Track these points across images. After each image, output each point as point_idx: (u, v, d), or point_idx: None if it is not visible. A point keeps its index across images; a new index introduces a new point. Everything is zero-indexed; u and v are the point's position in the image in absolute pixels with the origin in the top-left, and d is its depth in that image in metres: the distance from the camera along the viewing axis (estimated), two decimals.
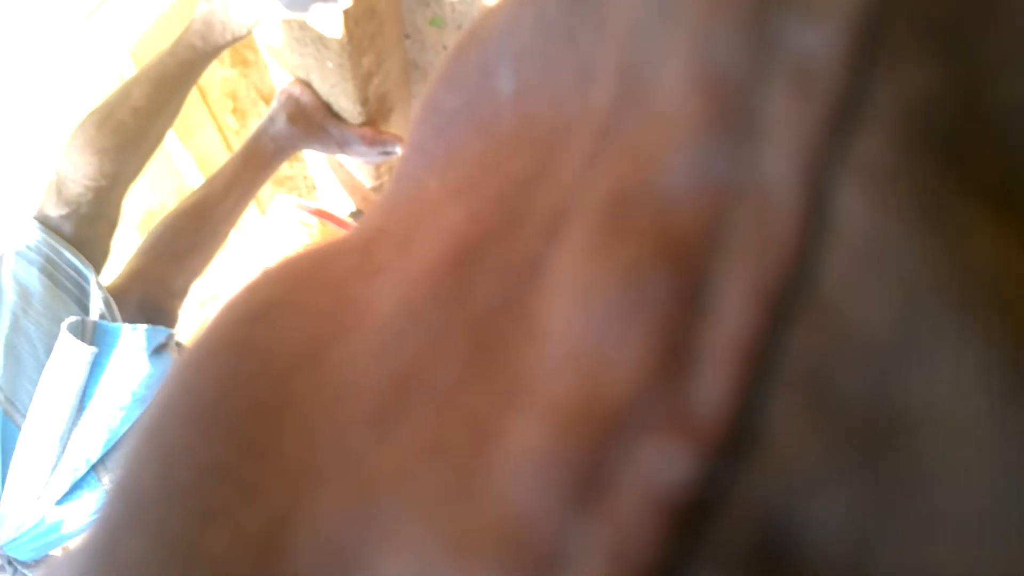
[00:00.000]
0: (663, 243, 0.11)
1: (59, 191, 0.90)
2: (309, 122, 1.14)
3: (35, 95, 1.13)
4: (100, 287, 0.89)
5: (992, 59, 0.10)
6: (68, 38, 1.13)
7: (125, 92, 0.93)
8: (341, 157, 1.28)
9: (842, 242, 0.10)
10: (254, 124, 1.18)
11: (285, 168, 1.29)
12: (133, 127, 0.93)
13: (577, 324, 0.11)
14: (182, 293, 1.05)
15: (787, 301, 0.10)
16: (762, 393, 0.10)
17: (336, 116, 1.17)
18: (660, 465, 0.09)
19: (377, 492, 0.12)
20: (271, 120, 1.14)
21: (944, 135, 0.10)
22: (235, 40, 0.99)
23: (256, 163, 1.12)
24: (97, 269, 0.92)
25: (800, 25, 0.11)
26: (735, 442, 0.09)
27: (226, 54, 1.29)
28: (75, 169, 0.90)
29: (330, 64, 1.06)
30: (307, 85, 1.14)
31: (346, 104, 1.13)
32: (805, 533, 0.09)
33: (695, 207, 0.11)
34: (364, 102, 1.13)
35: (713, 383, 0.10)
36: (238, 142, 1.35)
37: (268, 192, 1.50)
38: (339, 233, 1.26)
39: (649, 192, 0.11)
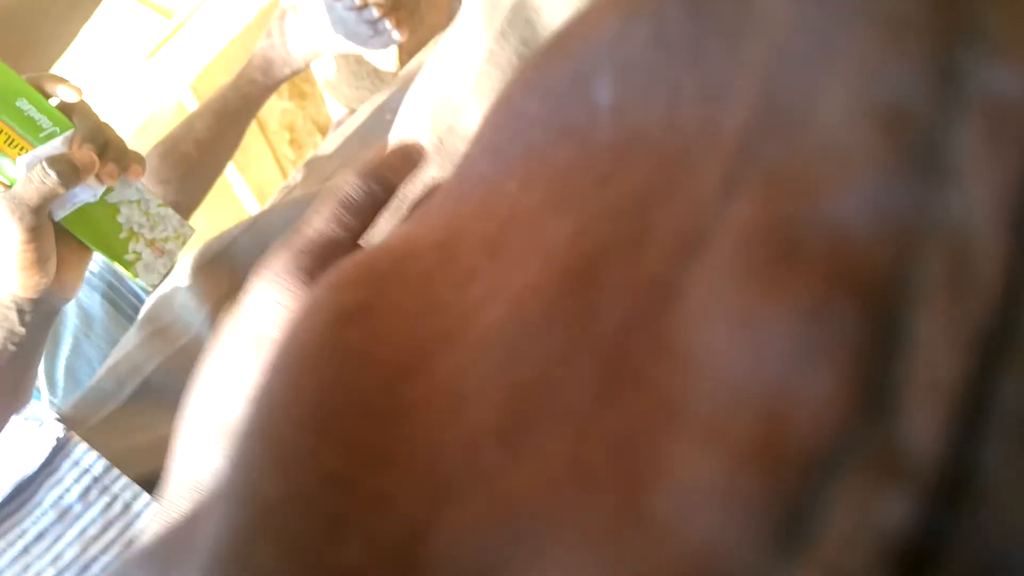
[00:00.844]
0: (846, 279, 0.10)
1: None
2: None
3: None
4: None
5: None
6: (132, 76, 1.16)
7: (188, 125, 0.96)
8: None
9: None
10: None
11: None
12: (195, 158, 0.95)
13: (740, 355, 0.10)
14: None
15: (992, 346, 0.09)
16: (974, 437, 0.09)
17: None
18: (875, 507, 0.09)
19: (519, 511, 0.12)
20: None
21: None
22: (294, 74, 1.01)
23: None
24: None
25: (988, 65, 0.10)
26: (952, 486, 0.09)
27: (284, 87, 1.32)
28: None
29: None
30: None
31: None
32: None
33: (879, 244, 0.10)
34: None
35: (923, 423, 0.09)
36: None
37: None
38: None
39: (815, 220, 0.11)
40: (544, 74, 0.17)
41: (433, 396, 0.14)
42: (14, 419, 0.67)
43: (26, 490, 0.60)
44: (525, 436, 0.12)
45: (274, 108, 1.38)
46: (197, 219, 1.02)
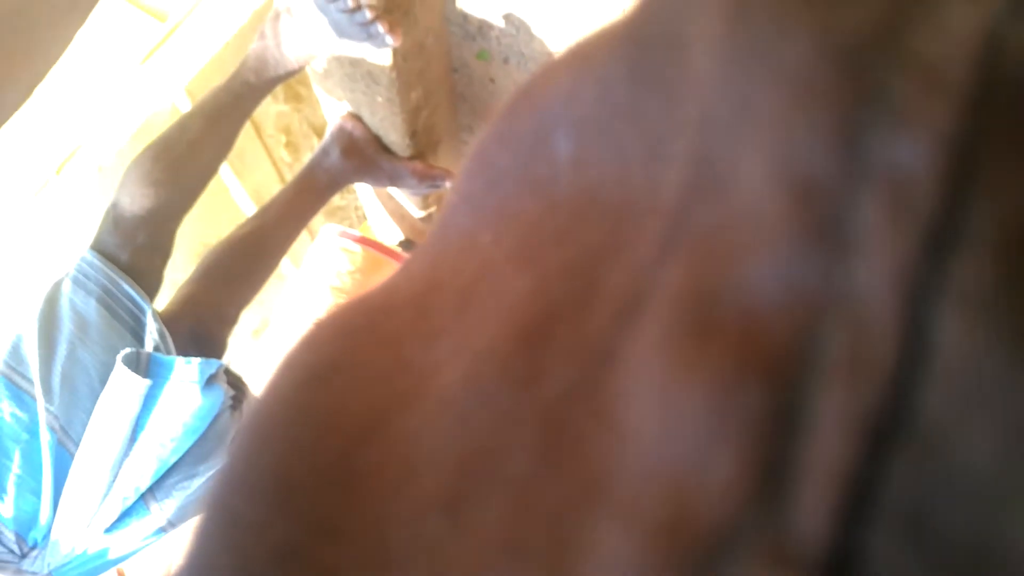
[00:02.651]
0: (752, 353, 0.10)
1: (116, 222, 0.93)
2: (362, 156, 1.16)
3: (92, 131, 1.17)
4: (156, 319, 0.91)
5: None
6: (126, 80, 1.16)
7: (181, 127, 0.96)
8: (391, 189, 1.30)
9: (942, 374, 0.09)
10: (306, 157, 1.20)
11: (337, 199, 1.32)
12: (188, 160, 0.95)
13: (661, 429, 0.11)
14: (233, 321, 1.07)
15: (884, 430, 0.09)
16: (861, 524, 0.09)
17: (387, 150, 1.18)
18: None
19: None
20: (324, 153, 1.16)
21: None
22: (288, 76, 1.01)
23: (309, 195, 1.14)
24: (151, 298, 0.94)
25: (892, 135, 0.10)
26: (836, 574, 0.09)
27: (280, 90, 1.32)
28: (132, 200, 0.92)
29: (380, 99, 1.07)
30: (359, 119, 1.16)
31: (395, 137, 1.15)
32: None
33: (785, 317, 0.10)
34: (413, 135, 1.14)
35: (812, 509, 0.09)
36: (291, 175, 1.38)
37: (319, 222, 1.53)
38: (380, 259, 1.27)
39: (732, 293, 0.11)
40: (512, 125, 0.17)
41: (387, 462, 0.14)
42: None
43: None
44: (468, 506, 0.13)
45: (270, 111, 1.38)
46: (192, 220, 1.01)
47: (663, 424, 0.11)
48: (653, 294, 0.12)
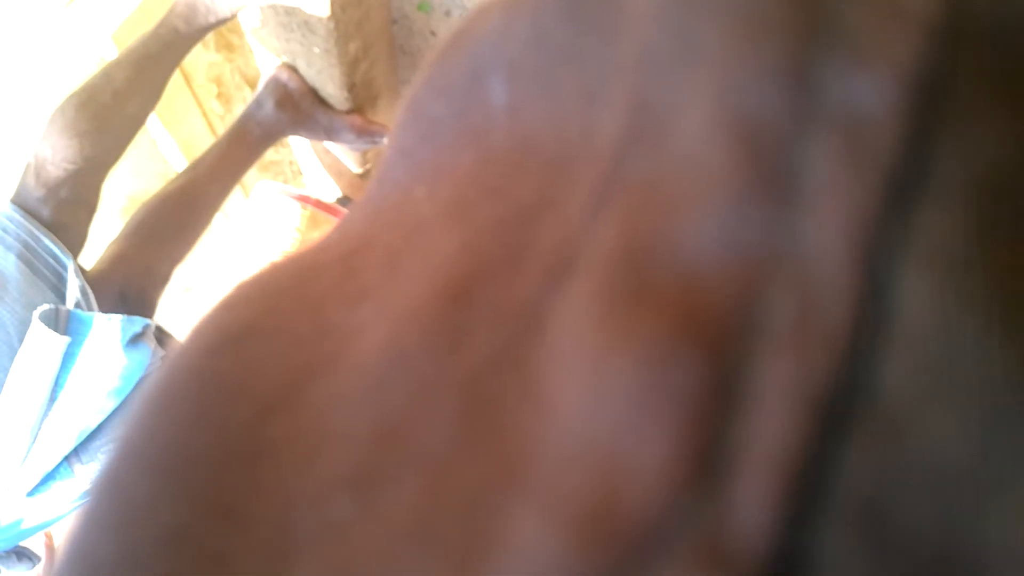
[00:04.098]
0: (689, 320, 0.09)
1: (37, 174, 0.89)
2: (296, 108, 1.13)
3: (14, 78, 1.11)
4: (78, 275, 0.88)
5: None
6: (48, 24, 1.11)
7: (106, 75, 0.92)
8: (328, 143, 1.27)
9: (904, 343, 0.08)
10: (239, 109, 1.17)
11: (271, 154, 1.28)
12: (114, 110, 0.91)
13: (587, 405, 0.09)
14: (164, 280, 1.04)
15: (837, 410, 0.08)
16: (809, 520, 0.08)
17: (324, 103, 1.16)
18: None
19: (353, 558, 0.11)
20: (258, 105, 1.12)
21: (1022, 209, 0.08)
22: (219, 23, 0.97)
23: (242, 148, 1.11)
24: (75, 255, 0.91)
25: (849, 73, 0.09)
26: (781, 571, 0.08)
27: (211, 39, 1.28)
28: (54, 152, 0.88)
29: (317, 50, 1.04)
30: (294, 70, 1.13)
31: (333, 90, 1.12)
32: None
33: (726, 278, 0.09)
34: (351, 88, 1.12)
35: (751, 504, 0.08)
36: (223, 127, 1.33)
37: (253, 177, 1.49)
38: (322, 217, 1.25)
39: (669, 252, 0.10)
40: (445, 71, 0.16)
41: (297, 435, 0.13)
42: None
43: None
44: (378, 485, 0.11)
45: (200, 60, 1.33)
46: (120, 174, 0.98)
47: (590, 400, 0.09)
48: (585, 253, 0.11)
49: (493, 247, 0.13)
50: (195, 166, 1.07)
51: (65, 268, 0.88)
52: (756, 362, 0.09)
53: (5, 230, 0.86)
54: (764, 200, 0.09)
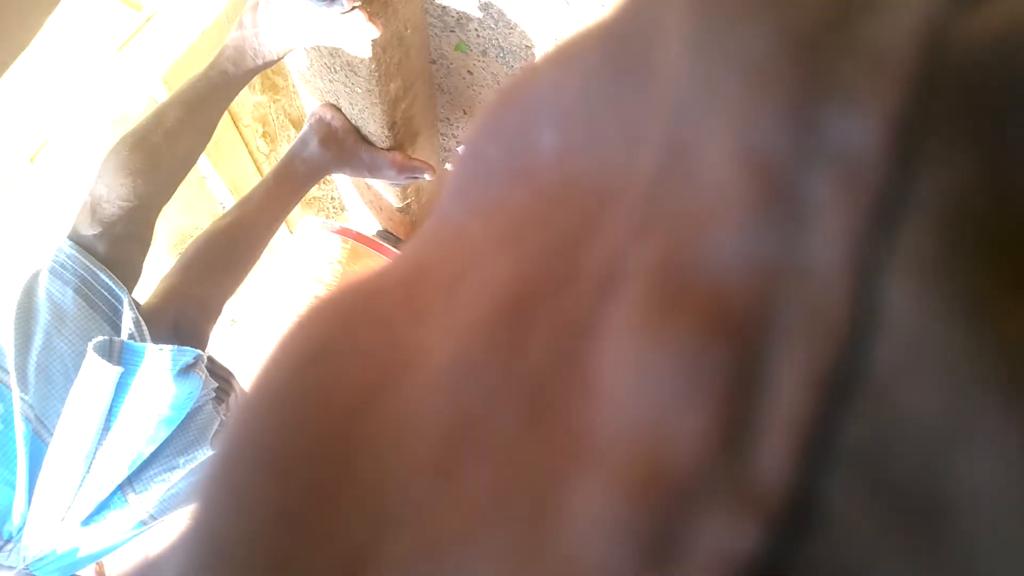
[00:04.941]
0: (718, 319, 0.11)
1: (93, 211, 0.92)
2: (340, 146, 1.16)
3: (69, 120, 1.16)
4: (132, 308, 0.90)
5: None
6: (101, 70, 1.15)
7: (159, 116, 0.95)
8: (369, 180, 1.29)
9: (891, 332, 0.10)
10: (284, 148, 1.20)
11: (314, 190, 1.31)
12: (166, 149, 0.94)
13: (636, 391, 0.12)
14: (215, 312, 1.07)
15: (840, 385, 0.10)
16: (820, 471, 0.10)
17: (365, 140, 1.18)
18: (727, 534, 0.10)
19: (444, 545, 0.13)
20: (303, 143, 1.15)
21: (985, 227, 0.10)
22: (266, 66, 1.00)
23: (288, 185, 1.14)
24: (129, 288, 0.94)
25: (842, 113, 0.11)
26: (796, 516, 0.10)
27: (257, 80, 1.32)
28: (109, 190, 0.92)
29: (359, 90, 1.07)
30: (337, 109, 1.16)
31: (374, 128, 1.15)
32: None
33: (748, 284, 0.11)
34: (392, 126, 1.14)
35: (773, 458, 0.10)
36: (269, 166, 1.37)
37: (298, 213, 1.52)
38: (363, 250, 1.27)
39: (700, 265, 0.12)
40: (500, 120, 0.19)
41: (380, 434, 0.15)
42: None
43: None
44: (457, 470, 0.14)
45: (247, 102, 1.38)
46: (171, 211, 1.01)
47: (637, 387, 0.11)
48: (628, 270, 0.13)
49: (545, 268, 0.15)
50: (243, 203, 1.10)
51: (120, 301, 0.91)
52: (773, 351, 0.11)
53: (63, 266, 0.90)
54: (776, 221, 0.11)
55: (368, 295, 0.18)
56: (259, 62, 0.99)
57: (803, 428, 0.10)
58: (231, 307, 1.36)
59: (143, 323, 0.91)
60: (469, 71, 1.17)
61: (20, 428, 0.82)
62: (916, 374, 0.10)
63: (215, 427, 0.90)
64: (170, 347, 0.85)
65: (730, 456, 0.10)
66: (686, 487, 0.10)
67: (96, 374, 0.82)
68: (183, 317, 0.98)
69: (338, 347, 0.17)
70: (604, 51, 0.16)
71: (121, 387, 0.84)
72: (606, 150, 0.15)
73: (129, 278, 0.95)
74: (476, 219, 0.18)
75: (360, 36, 0.94)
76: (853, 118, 0.11)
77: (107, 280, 0.91)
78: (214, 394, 0.90)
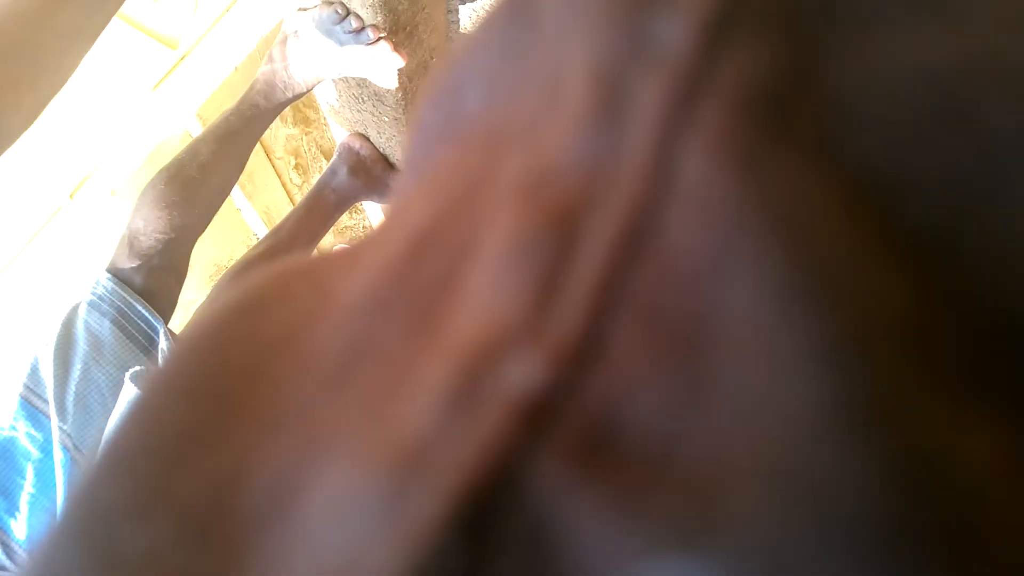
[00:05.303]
0: (553, 213, 0.13)
1: (131, 244, 0.94)
2: (369, 174, 1.18)
3: (104, 156, 1.19)
4: (167, 338, 0.92)
5: (828, 41, 0.12)
6: (137, 107, 1.18)
7: (193, 150, 0.98)
8: None
9: (684, 195, 0.12)
10: (316, 179, 1.22)
11: (346, 218, 1.33)
12: (200, 182, 0.97)
13: (485, 284, 0.13)
14: None
15: (636, 245, 0.12)
16: (610, 317, 0.11)
17: (394, 168, 1.20)
18: (518, 375, 0.11)
19: (320, 436, 0.15)
20: (333, 172, 1.17)
21: (776, 103, 0.12)
22: (296, 98, 1.02)
23: (319, 214, 1.15)
24: (166, 319, 0.95)
25: (665, 20, 0.13)
26: (582, 355, 0.11)
27: (289, 113, 1.34)
28: (146, 223, 0.94)
29: (387, 119, 1.09)
30: (366, 139, 1.18)
31: (402, 156, 1.16)
32: (631, 429, 0.11)
33: (577, 181, 0.13)
34: None
35: (570, 310, 0.12)
36: (300, 196, 1.39)
37: (329, 242, 1.54)
38: None
39: (551, 175, 0.13)
40: (439, 90, 0.20)
41: (291, 363, 0.17)
42: None
43: None
44: (346, 381, 0.15)
45: (279, 134, 1.40)
46: (206, 243, 1.03)
47: (490, 276, 0.13)
48: (508, 193, 0.14)
49: (452, 207, 0.16)
50: (276, 232, 1.12)
51: (156, 332, 0.93)
52: (590, 228, 0.12)
53: (101, 298, 0.92)
54: (606, 119, 0.13)
55: (317, 262, 0.20)
56: (289, 95, 1.01)
57: (597, 282, 0.12)
58: None
59: None
60: None
61: (58, 456, 0.84)
62: (696, 224, 0.11)
63: None
64: None
65: (537, 315, 0.12)
66: (497, 345, 0.12)
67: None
68: None
69: (271, 297, 0.19)
70: (508, 5, 0.18)
71: None
72: (516, 97, 0.17)
73: (166, 309, 0.97)
74: (419, 185, 0.19)
75: (386, 66, 0.96)
76: (672, 20, 0.13)
77: (143, 311, 0.93)
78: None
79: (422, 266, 0.15)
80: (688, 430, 0.10)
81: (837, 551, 0.09)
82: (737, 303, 0.11)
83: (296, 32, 0.98)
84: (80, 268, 1.24)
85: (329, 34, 0.94)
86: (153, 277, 0.96)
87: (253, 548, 0.14)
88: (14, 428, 0.86)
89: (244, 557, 0.14)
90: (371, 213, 1.51)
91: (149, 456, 0.16)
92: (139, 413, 0.18)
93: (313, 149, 1.47)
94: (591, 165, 0.13)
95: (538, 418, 0.11)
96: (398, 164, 1.19)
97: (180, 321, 1.02)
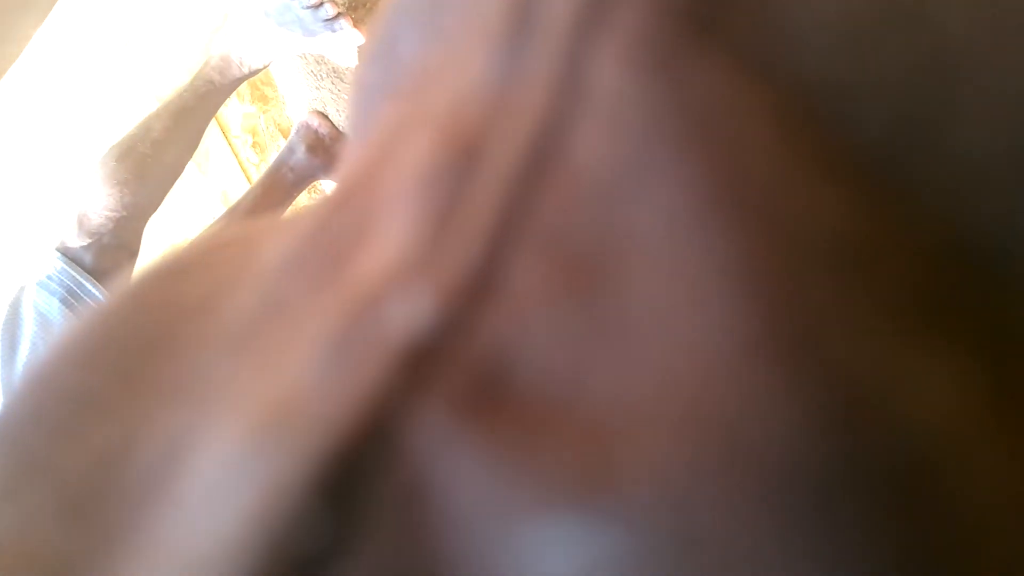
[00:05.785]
0: (458, 143, 0.12)
1: (81, 223, 0.92)
2: (328, 153, 1.16)
3: (58, 129, 1.16)
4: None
5: None
6: (92, 78, 1.15)
7: (145, 126, 0.95)
8: None
9: (593, 108, 0.11)
10: (273, 158, 1.20)
11: (304, 199, 1.31)
12: (153, 159, 0.94)
13: (390, 220, 0.12)
14: None
15: (539, 168, 0.11)
16: (509, 249, 0.11)
17: None
18: (402, 317, 0.10)
19: (216, 403, 0.13)
20: (290, 150, 1.15)
21: (700, 5, 0.11)
22: (252, 74, 1.00)
23: (276, 193, 1.13)
24: None
25: None
26: (475, 291, 0.10)
27: (245, 91, 1.32)
28: (96, 201, 0.92)
29: (345, 96, 1.07)
30: (325, 117, 1.16)
31: (347, 122, 1.15)
32: (525, 371, 0.10)
33: (485, 106, 0.12)
34: None
35: (464, 242, 0.11)
36: (257, 175, 1.37)
37: None
38: None
39: (462, 104, 0.13)
40: (373, 44, 0.19)
41: (204, 331, 0.16)
42: None
43: None
44: (249, 341, 0.14)
45: (236, 112, 1.38)
46: (161, 222, 1.01)
47: (391, 215, 0.12)
48: (419, 131, 0.14)
49: (374, 155, 0.15)
50: (232, 212, 1.10)
51: None
52: (491, 151, 0.11)
53: (50, 277, 0.89)
54: (513, 40, 0.12)
55: (248, 228, 0.19)
56: (245, 71, 0.99)
57: (495, 210, 0.11)
58: None
59: None
60: None
61: None
62: (605, 137, 0.10)
63: None
64: None
65: (427, 249, 0.11)
66: (387, 288, 0.11)
67: None
68: None
69: (194, 263, 0.18)
70: None
71: None
72: (440, 36, 0.16)
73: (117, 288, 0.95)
74: (360, 145, 0.19)
75: (345, 43, 0.94)
76: None
77: (93, 291, 0.90)
78: None
79: (340, 219, 0.14)
80: (589, 371, 0.10)
81: (759, 506, 0.08)
82: (646, 224, 0.10)
83: (252, 6, 0.96)
84: (27, 247, 1.21)
85: (287, 9, 0.92)
86: (104, 256, 0.94)
87: (131, 528, 0.13)
88: None
89: (120, 539, 0.13)
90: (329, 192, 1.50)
91: (35, 427, 0.15)
92: (31, 382, 0.16)
93: (270, 127, 1.45)
94: (499, 88, 0.12)
95: (421, 363, 0.10)
96: None
97: None
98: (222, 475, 0.11)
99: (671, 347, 0.09)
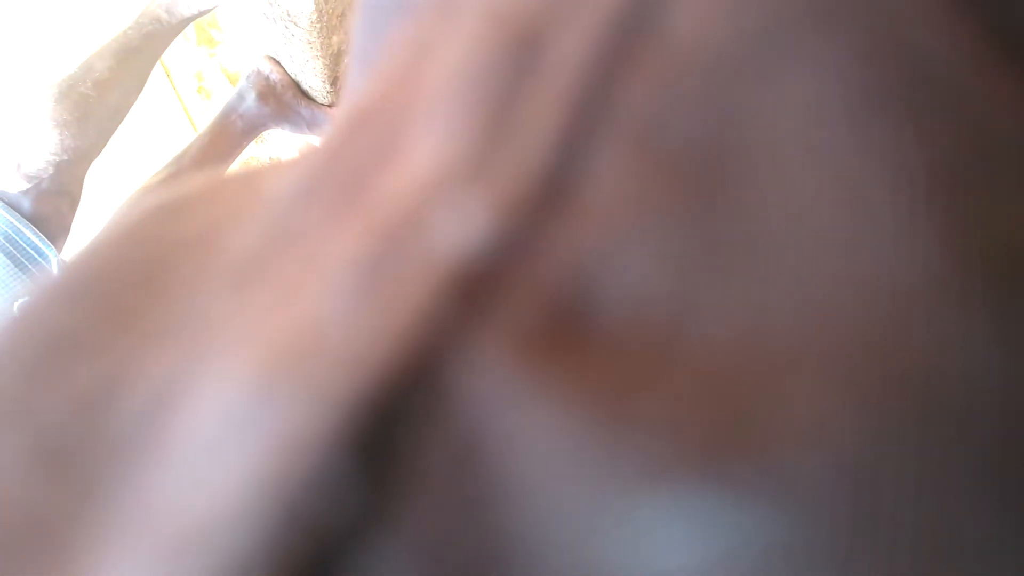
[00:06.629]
0: (516, 30, 0.10)
1: (18, 166, 0.88)
2: (279, 101, 1.13)
3: None
4: (60, 266, 0.87)
5: None
6: (31, 12, 1.10)
7: (87, 65, 0.91)
8: (310, 137, 1.27)
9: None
10: (220, 103, 1.16)
11: (253, 149, 1.28)
12: (95, 100, 0.91)
13: (429, 124, 0.10)
14: None
15: (626, 46, 0.09)
16: (587, 146, 0.08)
17: (306, 95, 1.15)
18: (451, 232, 0.08)
19: (216, 342, 0.12)
20: (240, 98, 1.12)
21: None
22: (201, 14, 0.97)
23: (224, 141, 1.10)
24: (58, 246, 0.90)
25: None
26: (544, 200, 0.08)
27: (192, 32, 1.27)
28: (35, 143, 0.88)
29: (299, 42, 1.04)
30: (276, 62, 1.13)
31: (315, 83, 1.12)
32: (613, 304, 0.08)
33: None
34: (334, 81, 1.12)
35: (529, 139, 0.09)
36: (204, 121, 1.33)
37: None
38: None
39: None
40: (363, 13, 0.18)
41: (202, 265, 0.14)
42: None
43: None
44: (255, 276, 0.12)
45: (181, 55, 1.33)
46: (103, 168, 0.97)
47: (433, 121, 0.10)
48: (461, 31, 0.12)
49: (398, 74, 0.13)
50: (178, 159, 1.07)
51: (47, 260, 0.88)
52: (557, 32, 0.10)
53: None
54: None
55: (255, 168, 0.18)
56: (194, 10, 0.95)
57: (572, 101, 0.09)
58: None
59: None
60: None
61: None
62: (720, 6, 0.08)
63: None
64: None
65: (488, 152, 0.09)
66: (432, 200, 0.09)
67: None
68: None
69: (197, 198, 0.16)
70: None
71: None
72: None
73: (58, 235, 0.92)
74: (371, 75, 0.17)
75: None
76: None
77: (33, 238, 0.87)
78: None
79: (356, 143, 0.12)
80: (703, 300, 0.07)
81: (958, 463, 0.06)
82: (777, 116, 0.08)
83: None
84: None
85: None
86: (43, 201, 0.90)
87: (113, 484, 0.11)
88: None
89: (101, 495, 0.11)
90: (280, 143, 1.46)
91: (13, 367, 0.14)
92: (14, 321, 0.15)
93: (218, 72, 1.40)
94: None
95: (477, 289, 0.08)
96: (310, 92, 1.15)
97: (74, 249, 0.96)
98: (223, 425, 0.09)
99: (827, 272, 0.07)
